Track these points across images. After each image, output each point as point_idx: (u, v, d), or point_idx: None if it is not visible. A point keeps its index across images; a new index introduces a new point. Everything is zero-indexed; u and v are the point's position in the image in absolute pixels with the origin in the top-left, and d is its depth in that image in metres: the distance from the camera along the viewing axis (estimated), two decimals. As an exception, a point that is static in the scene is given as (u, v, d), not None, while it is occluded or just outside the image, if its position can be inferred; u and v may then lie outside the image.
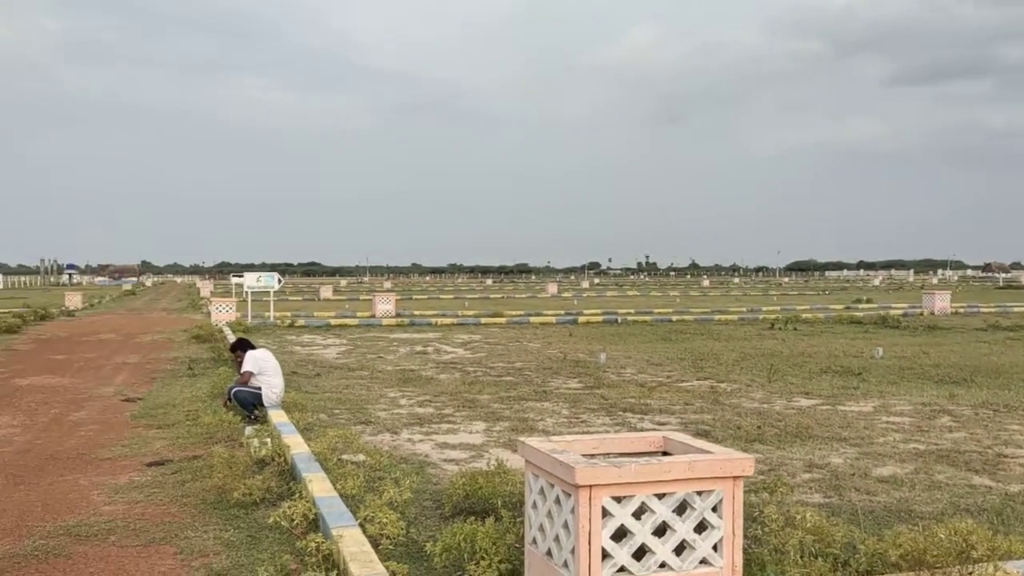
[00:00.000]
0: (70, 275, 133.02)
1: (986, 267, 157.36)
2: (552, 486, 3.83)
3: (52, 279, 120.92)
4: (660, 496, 3.67)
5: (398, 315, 29.18)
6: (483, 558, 4.31)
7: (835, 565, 4.59)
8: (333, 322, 27.20)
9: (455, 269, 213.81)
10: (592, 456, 3.97)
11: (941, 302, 32.16)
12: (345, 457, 7.31)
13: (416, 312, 31.70)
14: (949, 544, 4.21)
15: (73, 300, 39.13)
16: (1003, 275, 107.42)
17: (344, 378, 14.06)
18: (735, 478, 3.73)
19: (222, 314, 27.09)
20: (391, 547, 5.01)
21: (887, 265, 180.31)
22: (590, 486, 3.54)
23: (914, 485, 7.03)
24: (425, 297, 52.81)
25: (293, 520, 5.32)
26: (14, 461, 8.16)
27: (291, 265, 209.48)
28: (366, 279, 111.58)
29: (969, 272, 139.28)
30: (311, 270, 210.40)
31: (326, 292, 52.23)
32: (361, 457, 7.40)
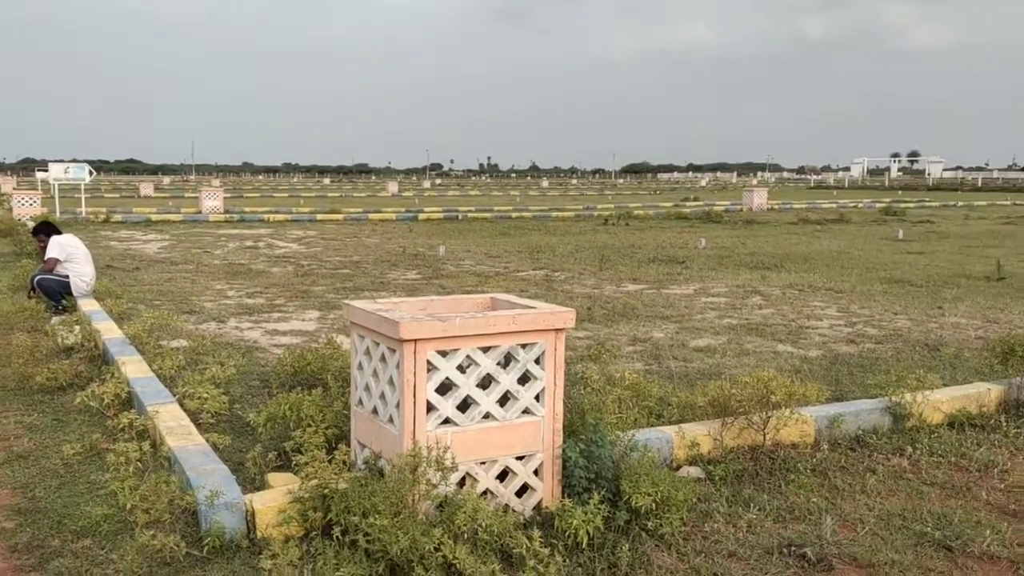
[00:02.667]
0: None
1: (800, 170, 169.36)
2: (377, 344, 3.77)
3: None
4: (485, 350, 3.69)
5: (227, 212, 27.73)
6: (309, 425, 4.23)
7: (650, 415, 4.87)
8: (154, 218, 25.51)
9: (290, 169, 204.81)
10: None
11: (759, 199, 34.31)
12: (164, 343, 6.93)
13: (247, 209, 30.26)
14: (752, 391, 4.54)
15: None
16: (814, 176, 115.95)
17: (166, 272, 13.28)
18: (557, 331, 3.80)
19: (25, 208, 24.61)
20: (213, 421, 4.83)
21: (713, 168, 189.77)
22: (415, 340, 3.50)
23: (726, 353, 7.55)
24: (257, 196, 50.44)
25: (103, 400, 5.00)
26: None
27: (107, 162, 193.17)
28: (192, 178, 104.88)
29: (785, 175, 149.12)
30: (130, 168, 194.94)
31: (147, 189, 48.73)
32: (182, 343, 7.04)
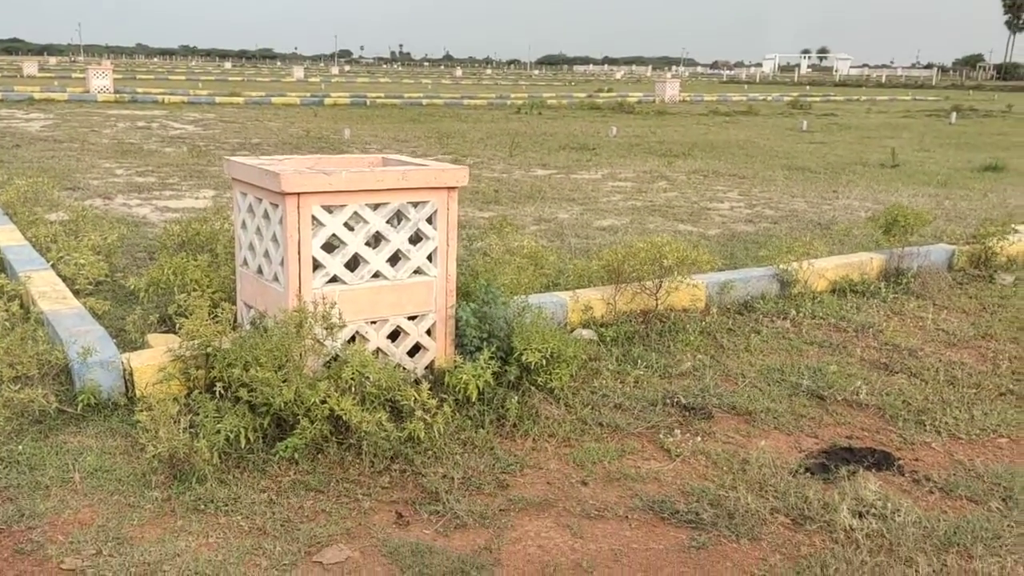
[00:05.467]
0: None
1: (714, 64, 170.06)
2: (260, 200, 3.60)
3: None
4: (374, 207, 3.58)
5: (117, 92, 26.03)
6: (194, 289, 4.06)
7: (547, 282, 4.89)
8: (37, 96, 23.77)
9: (188, 52, 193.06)
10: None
11: (671, 91, 34.33)
12: (41, 214, 6.52)
13: (140, 90, 28.49)
14: (645, 255, 4.58)
15: None
16: (727, 72, 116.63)
17: (50, 150, 12.47)
18: (449, 189, 3.71)
19: None
20: (91, 288, 4.60)
21: (630, 62, 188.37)
22: (298, 194, 3.35)
23: (627, 231, 7.62)
24: (151, 78, 47.51)
25: (-30, 268, 4.68)
26: None
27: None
28: (80, 58, 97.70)
29: (700, 70, 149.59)
30: (12, 47, 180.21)
31: (31, 69, 45.15)
32: (62, 215, 6.64)
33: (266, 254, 3.62)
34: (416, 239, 3.74)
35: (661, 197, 9.73)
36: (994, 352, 4.44)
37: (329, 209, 3.47)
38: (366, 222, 3.57)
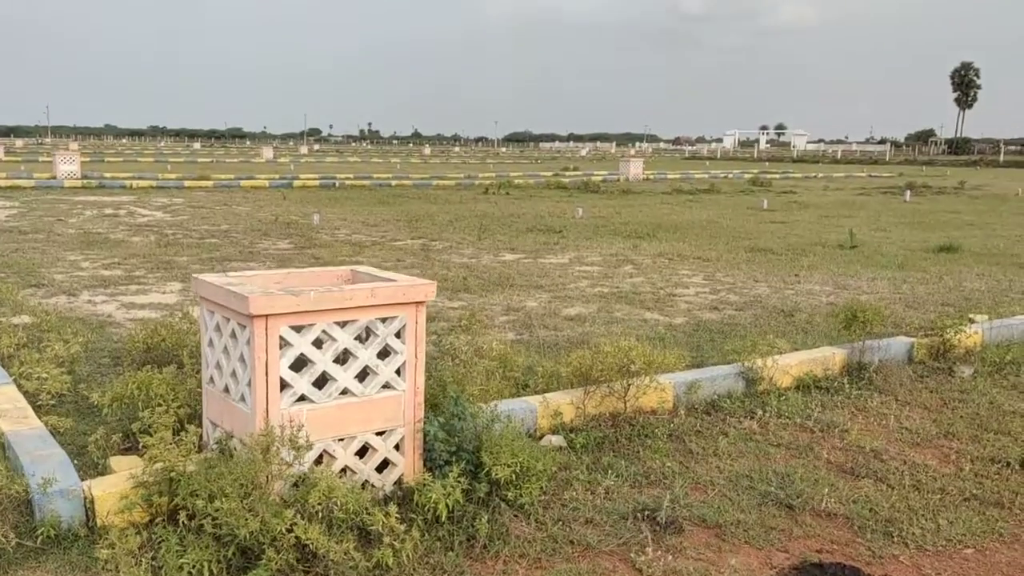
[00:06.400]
0: None
1: (676, 140, 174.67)
2: (228, 320, 3.61)
3: None
4: (342, 324, 3.60)
5: (84, 177, 26.01)
6: (159, 404, 4.02)
7: (516, 387, 4.90)
8: (2, 183, 23.68)
9: (157, 132, 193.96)
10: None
11: (635, 169, 35.13)
12: (3, 320, 6.45)
13: (107, 174, 28.50)
14: (613, 360, 4.63)
15: None
16: (689, 147, 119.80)
17: (14, 242, 12.37)
18: (417, 304, 3.75)
19: None
20: (53, 403, 4.53)
21: (594, 138, 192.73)
22: (266, 316, 3.37)
23: (595, 321, 7.70)
24: (120, 160, 47.62)
25: (-73, 384, 4.59)
26: None
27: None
28: (48, 140, 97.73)
29: (662, 145, 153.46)
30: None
31: (-3, 153, 45.19)
32: (25, 319, 6.57)
33: (233, 373, 3.61)
34: (384, 353, 3.76)
35: (627, 283, 9.86)
36: (956, 453, 4.51)
37: (298, 329, 3.49)
38: (334, 340, 3.59)
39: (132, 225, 15.08)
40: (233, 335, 3.58)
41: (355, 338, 3.65)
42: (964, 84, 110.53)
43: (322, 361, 3.56)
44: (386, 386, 3.74)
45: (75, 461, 3.76)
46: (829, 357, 5.77)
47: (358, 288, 3.64)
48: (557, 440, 4.42)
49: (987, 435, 4.77)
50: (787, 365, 5.53)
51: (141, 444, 3.68)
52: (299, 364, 3.56)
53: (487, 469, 3.65)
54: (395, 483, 3.78)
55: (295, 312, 3.43)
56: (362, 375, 3.70)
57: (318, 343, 3.58)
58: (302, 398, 3.54)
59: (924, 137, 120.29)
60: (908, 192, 26.55)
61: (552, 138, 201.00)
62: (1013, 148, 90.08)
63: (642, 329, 7.36)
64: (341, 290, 3.59)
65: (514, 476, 3.64)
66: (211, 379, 3.84)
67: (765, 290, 9.47)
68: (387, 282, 3.79)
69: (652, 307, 8.45)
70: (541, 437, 4.48)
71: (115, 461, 3.76)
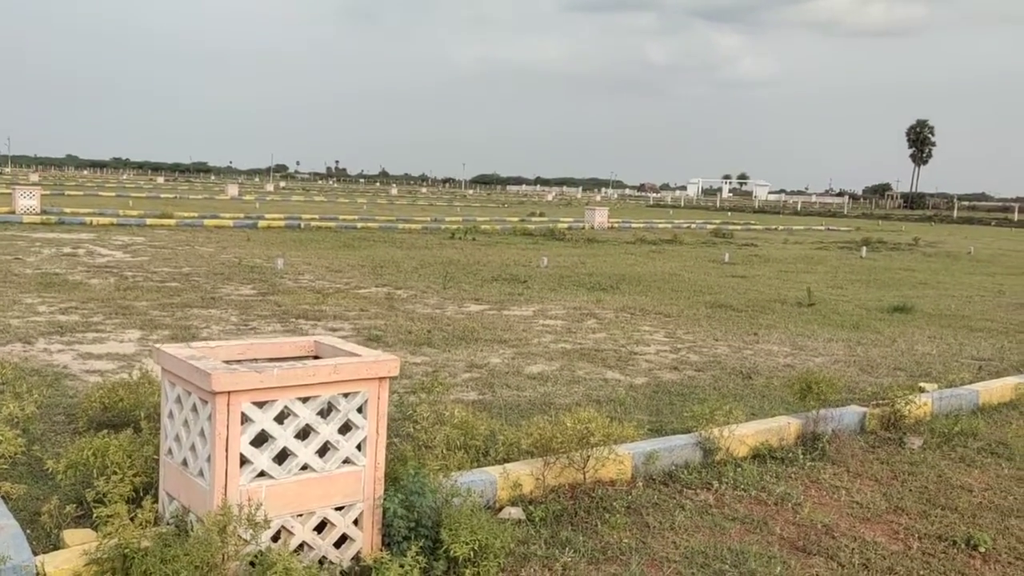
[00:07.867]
0: None
1: (641, 187, 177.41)
2: (189, 394, 3.61)
3: None
4: (305, 400, 3.62)
5: (44, 212, 25.67)
6: (115, 472, 3.97)
7: (476, 455, 4.93)
8: (-41, 218, 23.29)
9: (120, 164, 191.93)
10: (239, 362, 3.80)
11: (600, 217, 35.56)
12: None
13: (67, 209, 28.15)
14: (572, 431, 4.69)
15: None
16: (653, 195, 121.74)
17: (-32, 282, 12.14)
18: (381, 379, 3.78)
19: None
20: (7, 467, 4.46)
21: (560, 182, 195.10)
22: (228, 392, 3.38)
23: (557, 380, 7.76)
24: (81, 194, 47.01)
25: None
26: None
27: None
28: (7, 170, 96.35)
29: (627, 191, 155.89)
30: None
31: (-46, 183, 44.38)
32: (-21, 370, 6.45)
33: (192, 447, 3.60)
34: (346, 428, 3.78)
35: (590, 339, 9.96)
36: (905, 529, 4.62)
37: (260, 405, 3.50)
38: (296, 415, 3.60)
39: (91, 266, 14.89)
40: (194, 409, 3.58)
41: (317, 413, 3.67)
42: (919, 141, 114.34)
43: (283, 437, 3.57)
44: (346, 461, 3.75)
45: (28, 531, 3.70)
46: (784, 427, 5.88)
47: (321, 364, 3.67)
48: (516, 512, 4.45)
49: (935, 511, 4.90)
50: (743, 435, 5.63)
51: (95, 515, 3.65)
52: (260, 439, 3.56)
53: (446, 547, 3.66)
54: (353, 559, 3.77)
55: (258, 388, 3.45)
56: (322, 450, 3.72)
57: (280, 418, 3.59)
58: (262, 474, 3.54)
59: (881, 191, 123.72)
60: (864, 248, 27.23)
61: (519, 181, 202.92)
62: (965, 203, 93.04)
63: (603, 390, 7.44)
64: (305, 366, 3.62)
65: (472, 553, 3.66)
66: (169, 451, 3.82)
67: (725, 350, 9.62)
68: (351, 356, 3.83)
69: (614, 365, 8.55)
70: (500, 509, 4.50)
71: (68, 535, 3.71)
